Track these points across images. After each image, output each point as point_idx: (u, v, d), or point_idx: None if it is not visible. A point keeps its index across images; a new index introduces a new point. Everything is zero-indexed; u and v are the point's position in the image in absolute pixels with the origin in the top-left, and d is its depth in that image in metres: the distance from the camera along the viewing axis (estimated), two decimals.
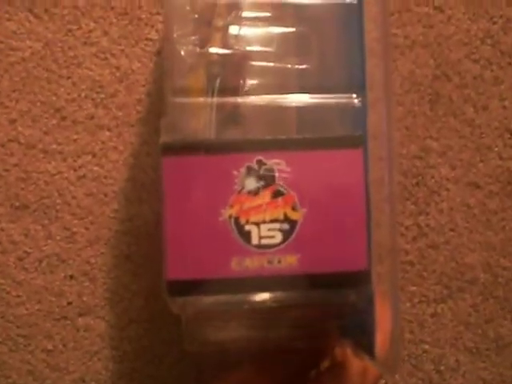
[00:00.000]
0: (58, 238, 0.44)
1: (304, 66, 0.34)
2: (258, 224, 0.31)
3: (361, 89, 0.33)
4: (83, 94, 0.44)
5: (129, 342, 0.44)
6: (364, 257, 0.32)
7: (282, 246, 0.32)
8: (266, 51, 0.34)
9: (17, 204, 0.44)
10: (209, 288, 0.31)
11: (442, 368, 0.45)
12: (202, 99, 0.33)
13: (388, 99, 0.35)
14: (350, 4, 0.33)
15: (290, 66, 0.34)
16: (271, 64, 0.34)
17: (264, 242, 0.31)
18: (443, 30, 0.45)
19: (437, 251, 0.45)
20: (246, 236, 0.31)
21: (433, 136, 0.45)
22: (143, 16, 0.44)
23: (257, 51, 0.34)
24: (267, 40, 0.34)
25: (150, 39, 0.44)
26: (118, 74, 0.44)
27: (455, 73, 0.45)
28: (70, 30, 0.44)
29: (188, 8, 0.34)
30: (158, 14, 0.45)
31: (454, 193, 0.45)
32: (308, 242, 0.32)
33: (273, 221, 0.32)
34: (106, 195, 0.44)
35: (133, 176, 0.44)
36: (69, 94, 0.44)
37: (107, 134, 0.44)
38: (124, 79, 0.44)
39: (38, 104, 0.44)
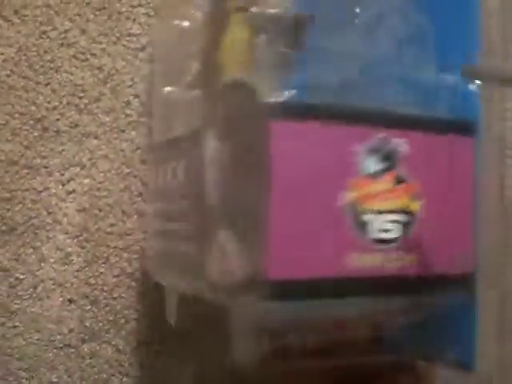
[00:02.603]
0: (52, 260, 0.41)
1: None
2: (376, 214, 0.27)
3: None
4: (65, 101, 0.42)
5: (140, 367, 0.42)
6: (470, 259, 0.29)
7: (400, 242, 0.28)
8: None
9: (3, 228, 0.41)
10: (316, 290, 0.26)
11: None
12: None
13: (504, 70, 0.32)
14: None
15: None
16: None
17: (382, 235, 0.27)
18: None
19: None
20: (363, 227, 0.27)
21: None
22: (123, 9, 0.43)
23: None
24: None
25: (133, 34, 0.43)
26: (100, 76, 0.42)
27: None
28: (44, 32, 0.42)
29: None
30: (139, 5, 0.43)
31: None
32: (425, 238, 0.28)
33: (391, 211, 0.27)
34: (100, 209, 0.42)
35: (128, 186, 0.42)
36: (49, 101, 0.42)
37: (95, 142, 0.42)
38: (108, 80, 0.42)
39: (17, 115, 0.41)
